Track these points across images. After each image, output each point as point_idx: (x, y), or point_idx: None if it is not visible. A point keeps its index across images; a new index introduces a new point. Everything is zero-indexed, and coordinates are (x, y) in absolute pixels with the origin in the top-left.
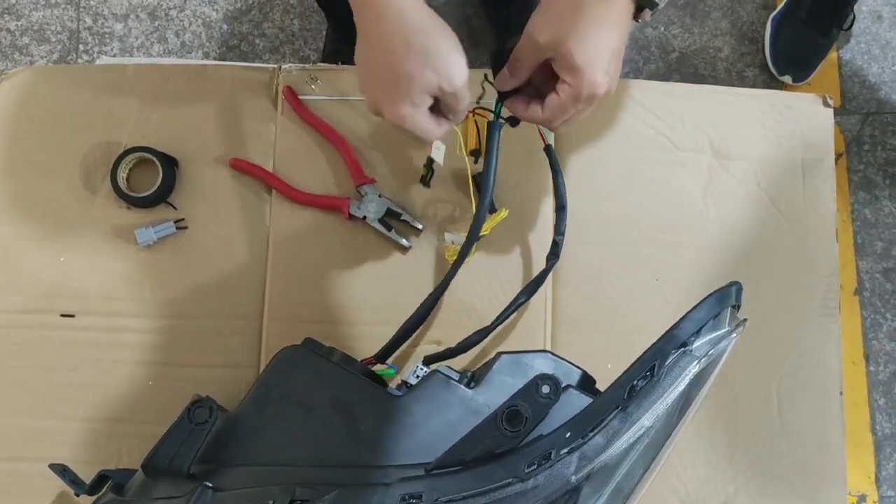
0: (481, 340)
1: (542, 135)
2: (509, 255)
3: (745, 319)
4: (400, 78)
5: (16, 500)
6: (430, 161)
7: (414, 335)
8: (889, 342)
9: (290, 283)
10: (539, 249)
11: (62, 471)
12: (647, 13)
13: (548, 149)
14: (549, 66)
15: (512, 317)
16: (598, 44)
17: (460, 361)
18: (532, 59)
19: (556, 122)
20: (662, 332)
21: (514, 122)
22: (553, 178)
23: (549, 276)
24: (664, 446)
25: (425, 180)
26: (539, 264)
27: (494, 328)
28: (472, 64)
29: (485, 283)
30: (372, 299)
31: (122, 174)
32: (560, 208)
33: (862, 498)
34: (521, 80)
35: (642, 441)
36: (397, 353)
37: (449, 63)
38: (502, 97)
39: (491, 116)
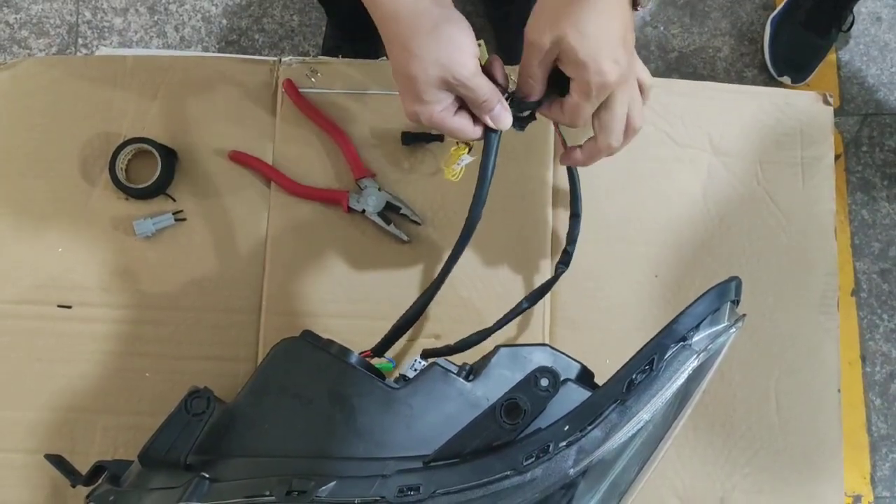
0: (481, 341)
1: (562, 141)
2: (507, 249)
3: (744, 315)
4: (409, 76)
5: (11, 491)
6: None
7: (412, 329)
8: (885, 343)
9: (289, 276)
10: (537, 243)
11: (58, 461)
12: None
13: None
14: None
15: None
16: (600, 33)
17: (458, 356)
18: (540, 68)
19: (578, 121)
20: (661, 328)
21: (521, 125)
22: (570, 187)
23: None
24: (662, 441)
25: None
26: (537, 256)
27: (495, 330)
28: None
29: (483, 278)
30: (370, 293)
31: (120, 165)
32: (574, 216)
33: (857, 498)
34: (540, 93)
35: (640, 435)
36: (396, 347)
37: (452, 53)
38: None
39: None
